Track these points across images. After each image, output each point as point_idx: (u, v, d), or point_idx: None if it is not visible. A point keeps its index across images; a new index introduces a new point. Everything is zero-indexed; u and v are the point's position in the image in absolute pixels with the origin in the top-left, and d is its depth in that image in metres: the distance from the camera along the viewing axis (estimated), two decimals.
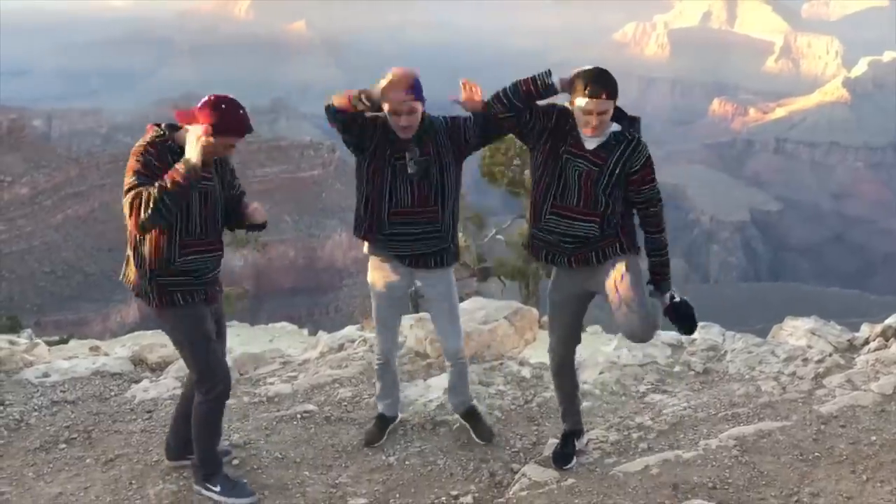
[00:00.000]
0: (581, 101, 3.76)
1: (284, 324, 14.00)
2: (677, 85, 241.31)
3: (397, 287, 4.41)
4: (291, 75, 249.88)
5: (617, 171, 3.88)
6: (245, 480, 4.26)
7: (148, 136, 3.74)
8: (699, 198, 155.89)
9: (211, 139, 3.61)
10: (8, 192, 79.36)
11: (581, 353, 5.17)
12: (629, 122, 3.94)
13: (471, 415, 4.79)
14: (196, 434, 4.08)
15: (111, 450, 4.67)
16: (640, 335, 4.04)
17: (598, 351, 6.71)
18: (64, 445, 4.76)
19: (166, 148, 3.70)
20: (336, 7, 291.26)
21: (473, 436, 4.73)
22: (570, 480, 4.17)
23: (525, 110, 3.95)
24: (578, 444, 4.48)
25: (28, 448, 4.72)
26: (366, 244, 4.33)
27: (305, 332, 13.58)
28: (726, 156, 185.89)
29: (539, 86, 3.90)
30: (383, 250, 4.27)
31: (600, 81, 3.75)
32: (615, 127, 3.91)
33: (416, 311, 7.69)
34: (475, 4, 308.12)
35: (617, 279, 3.97)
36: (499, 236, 19.78)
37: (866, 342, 6.02)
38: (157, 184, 3.54)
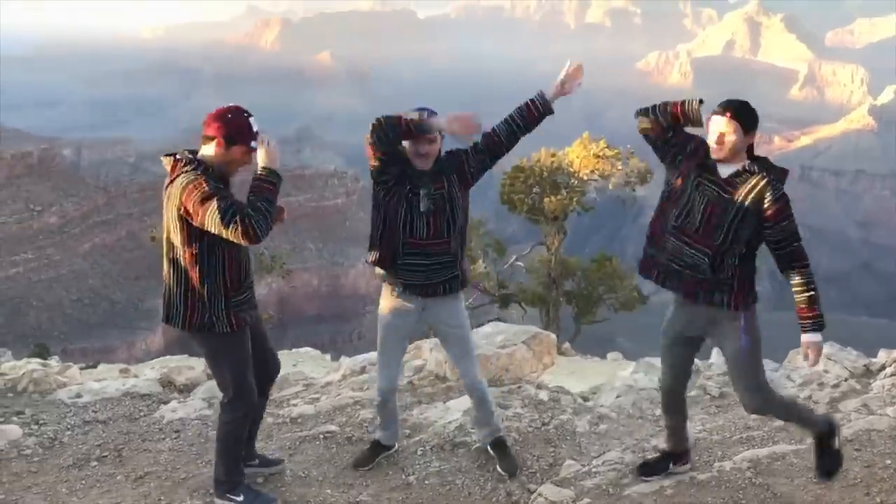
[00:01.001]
0: (710, 120, 3.84)
1: (308, 349, 14.15)
2: (702, 114, 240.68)
3: (407, 318, 4.45)
4: (316, 105, 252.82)
5: (746, 204, 3.75)
6: (266, 491, 4.38)
7: (190, 169, 3.77)
8: None
9: (275, 145, 3.79)
10: (38, 221, 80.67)
11: (599, 377, 5.27)
12: (774, 172, 3.83)
13: (498, 445, 4.78)
14: (222, 450, 4.20)
15: (141, 467, 4.83)
16: (751, 409, 4.15)
17: (616, 375, 6.79)
18: (95, 463, 4.92)
19: (212, 175, 3.77)
20: (360, 38, 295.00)
21: (498, 467, 4.70)
22: (586, 500, 4.25)
23: (669, 129, 4.03)
24: (673, 467, 4.47)
25: (61, 465, 4.89)
26: (377, 269, 4.42)
27: (328, 357, 13.71)
28: None
29: (687, 110, 3.97)
30: (395, 278, 4.35)
31: (730, 102, 3.84)
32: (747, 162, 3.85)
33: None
34: (499, 34, 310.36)
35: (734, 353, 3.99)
36: (519, 263, 19.87)
37: (882, 368, 6.06)
38: (256, 196, 3.68)
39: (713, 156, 3.83)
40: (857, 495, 4.21)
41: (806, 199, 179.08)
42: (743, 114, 3.79)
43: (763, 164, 3.85)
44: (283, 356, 13.21)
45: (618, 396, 5.90)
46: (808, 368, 6.15)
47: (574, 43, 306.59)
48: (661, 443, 4.68)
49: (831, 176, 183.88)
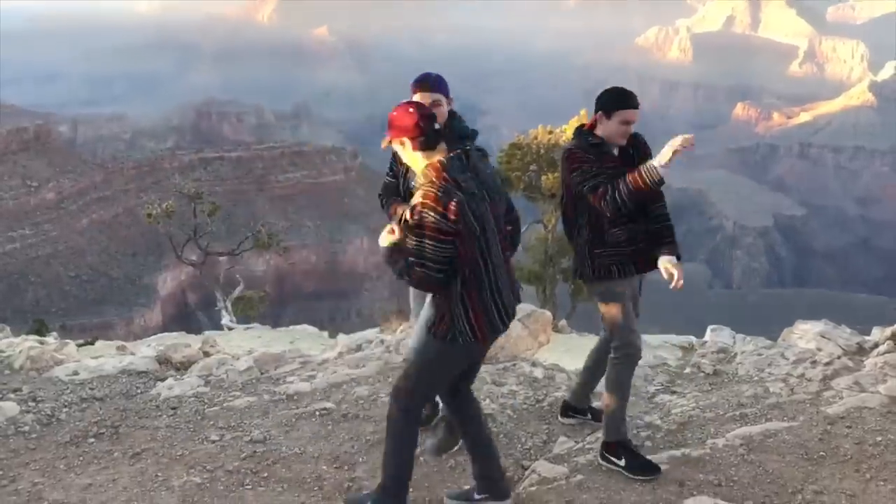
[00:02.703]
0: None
1: (305, 326, 14.20)
2: (700, 89, 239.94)
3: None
4: (314, 81, 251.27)
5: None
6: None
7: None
8: (722, 203, 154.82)
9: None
10: (34, 197, 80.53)
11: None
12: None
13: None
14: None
15: (138, 444, 4.86)
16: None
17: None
18: (93, 440, 4.96)
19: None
20: (359, 12, 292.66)
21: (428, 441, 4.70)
22: (579, 476, 4.29)
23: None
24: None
25: (59, 442, 4.92)
26: None
27: (326, 334, 13.76)
28: (750, 161, 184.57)
29: (647, 179, 3.99)
30: None
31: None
32: None
33: None
34: (499, 8, 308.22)
35: None
36: None
37: (875, 346, 6.09)
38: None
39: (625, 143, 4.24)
40: (848, 472, 4.26)
41: (804, 175, 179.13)
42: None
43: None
44: (281, 333, 13.34)
45: None
46: (801, 345, 6.19)
47: (574, 18, 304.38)
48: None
49: (830, 152, 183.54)
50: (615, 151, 4.24)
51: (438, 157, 3.46)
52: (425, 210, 3.35)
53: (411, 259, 3.43)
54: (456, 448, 4.60)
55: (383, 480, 3.86)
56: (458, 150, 3.50)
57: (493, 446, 4.05)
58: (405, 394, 3.76)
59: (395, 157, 4.35)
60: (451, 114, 4.25)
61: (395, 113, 3.53)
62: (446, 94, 4.17)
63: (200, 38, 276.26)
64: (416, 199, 3.41)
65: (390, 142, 3.59)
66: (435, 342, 3.62)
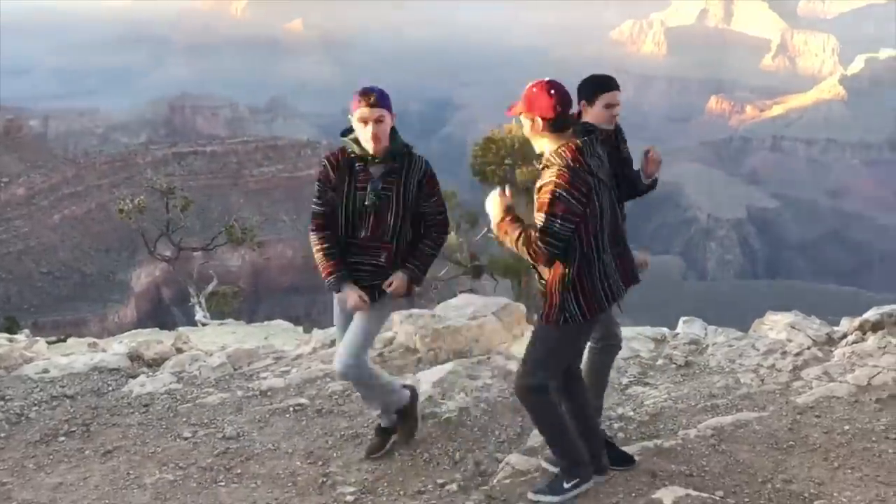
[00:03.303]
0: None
1: (280, 321, 14.15)
2: (674, 83, 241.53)
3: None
4: (288, 74, 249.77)
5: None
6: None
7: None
8: (696, 195, 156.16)
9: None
10: (4, 192, 79.31)
11: None
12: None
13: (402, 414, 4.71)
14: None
15: (109, 442, 4.82)
16: None
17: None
18: (63, 438, 4.91)
19: None
20: (333, 5, 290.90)
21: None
22: (552, 469, 4.31)
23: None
24: None
25: (28, 441, 4.87)
26: None
27: (301, 329, 13.71)
28: (723, 153, 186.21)
29: None
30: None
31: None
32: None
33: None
34: (473, 2, 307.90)
35: None
36: (491, 234, 19.85)
37: (844, 336, 6.18)
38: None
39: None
40: (816, 460, 4.31)
41: (777, 167, 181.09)
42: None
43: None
44: (255, 329, 13.26)
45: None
46: (772, 336, 6.26)
47: (548, 11, 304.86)
48: None
49: (802, 145, 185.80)
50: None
51: (567, 140, 3.56)
52: (559, 189, 3.46)
53: (535, 234, 3.52)
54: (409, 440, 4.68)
55: (563, 466, 3.98)
56: (590, 136, 3.60)
57: (598, 424, 4.29)
58: (535, 388, 3.84)
59: (324, 179, 4.19)
60: (393, 130, 4.12)
61: (534, 90, 3.59)
62: (389, 110, 4.07)
63: (173, 31, 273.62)
64: (549, 178, 3.51)
65: (520, 114, 3.64)
66: (551, 329, 3.74)
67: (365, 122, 3.98)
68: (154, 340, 6.95)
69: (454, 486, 4.31)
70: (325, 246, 4.21)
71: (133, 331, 13.51)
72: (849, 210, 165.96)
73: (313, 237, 4.24)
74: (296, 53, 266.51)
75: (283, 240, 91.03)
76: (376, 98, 3.99)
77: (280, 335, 12.09)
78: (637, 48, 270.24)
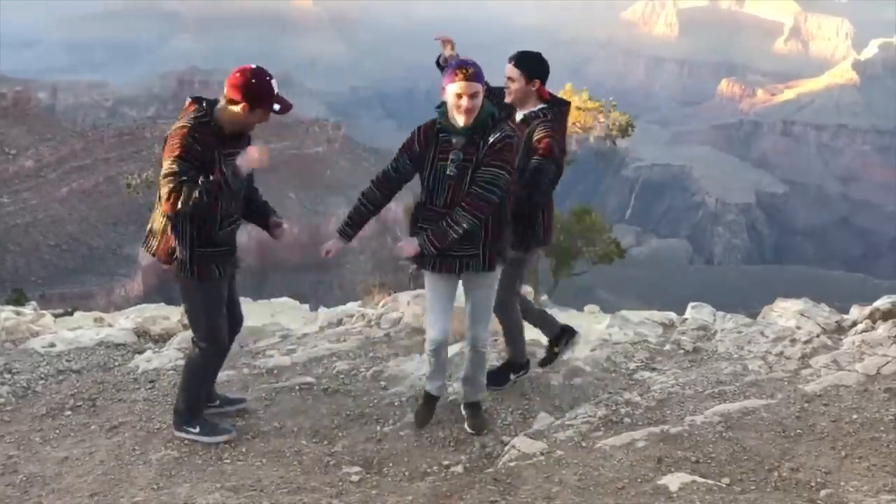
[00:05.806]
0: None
1: (286, 299, 14.14)
2: (685, 65, 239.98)
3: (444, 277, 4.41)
4: (297, 51, 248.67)
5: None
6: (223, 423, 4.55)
7: (190, 116, 3.84)
8: (705, 179, 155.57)
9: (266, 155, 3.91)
10: (13, 164, 79.44)
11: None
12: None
13: (473, 406, 4.78)
14: (186, 383, 4.36)
15: (115, 417, 4.82)
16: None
17: (591, 329, 6.83)
18: (69, 412, 4.91)
19: (209, 130, 3.84)
20: None
21: (466, 425, 4.72)
22: (558, 452, 4.29)
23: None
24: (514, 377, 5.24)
25: (35, 414, 4.88)
26: None
27: (307, 307, 13.71)
28: (733, 137, 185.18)
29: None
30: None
31: (517, 52, 4.68)
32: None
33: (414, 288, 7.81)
34: None
35: None
36: None
37: (854, 324, 6.12)
38: (201, 182, 3.71)
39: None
40: (824, 449, 4.28)
41: (787, 152, 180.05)
42: (525, 62, 4.46)
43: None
44: (262, 306, 13.26)
45: (592, 350, 5.94)
46: (781, 323, 6.22)
47: None
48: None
49: (813, 130, 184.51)
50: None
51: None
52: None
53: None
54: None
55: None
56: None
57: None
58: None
59: (407, 147, 4.20)
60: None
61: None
62: (484, 84, 4.11)
63: (182, 5, 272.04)
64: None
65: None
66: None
67: (460, 95, 3.98)
68: (160, 316, 6.95)
69: (459, 468, 4.31)
70: (359, 201, 4.36)
71: (139, 305, 13.52)
72: (858, 197, 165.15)
73: (366, 188, 4.37)
74: (304, 30, 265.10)
75: (290, 217, 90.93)
76: (473, 72, 3.98)
77: (286, 313, 12.09)
78: (649, 29, 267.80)
